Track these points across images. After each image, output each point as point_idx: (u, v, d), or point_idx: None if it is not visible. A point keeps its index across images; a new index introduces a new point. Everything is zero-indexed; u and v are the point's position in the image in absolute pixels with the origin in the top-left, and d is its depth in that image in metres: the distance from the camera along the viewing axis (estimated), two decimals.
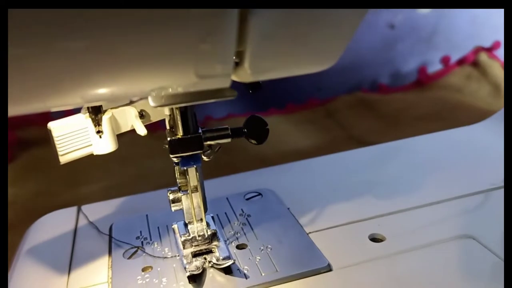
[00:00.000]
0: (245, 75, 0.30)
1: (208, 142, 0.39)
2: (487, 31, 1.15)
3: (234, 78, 0.31)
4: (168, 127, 0.39)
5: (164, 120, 0.41)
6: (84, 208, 0.54)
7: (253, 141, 0.41)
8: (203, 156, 0.39)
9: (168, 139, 0.38)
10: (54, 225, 0.52)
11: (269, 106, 1.07)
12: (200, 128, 0.39)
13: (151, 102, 0.33)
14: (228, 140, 0.40)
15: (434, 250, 0.43)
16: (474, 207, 0.48)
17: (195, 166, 0.39)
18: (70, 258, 0.46)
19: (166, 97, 0.33)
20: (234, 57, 0.28)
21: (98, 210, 0.54)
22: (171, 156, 0.38)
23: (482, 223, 0.45)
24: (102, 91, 0.27)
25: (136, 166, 0.87)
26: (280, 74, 0.31)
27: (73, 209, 0.54)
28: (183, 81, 0.28)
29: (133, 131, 1.01)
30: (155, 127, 0.98)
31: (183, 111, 0.37)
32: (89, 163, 0.86)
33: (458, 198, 0.50)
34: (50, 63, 0.24)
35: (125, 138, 0.96)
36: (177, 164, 0.41)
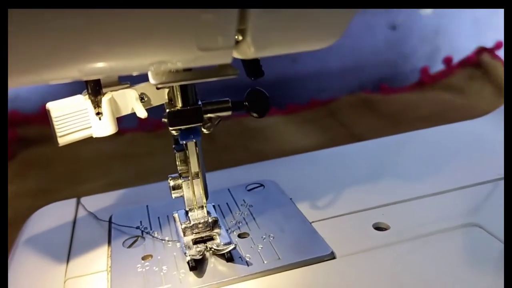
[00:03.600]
0: (247, 50, 0.29)
1: (208, 115, 0.38)
2: (489, 31, 1.15)
3: (236, 55, 0.31)
4: (167, 99, 0.38)
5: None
6: (84, 200, 0.54)
7: (254, 114, 0.39)
8: (203, 129, 0.38)
9: (167, 110, 0.37)
10: (53, 216, 0.51)
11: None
12: (199, 101, 0.38)
13: (151, 80, 0.32)
14: (229, 113, 0.39)
15: (439, 238, 0.42)
16: (480, 196, 0.47)
17: (194, 140, 0.38)
18: (69, 247, 0.45)
19: (167, 75, 0.32)
20: (236, 32, 0.28)
21: (97, 202, 0.53)
22: (170, 129, 0.37)
23: (488, 212, 0.45)
24: (100, 64, 0.27)
25: (136, 164, 0.86)
26: (283, 49, 0.30)
27: (73, 201, 0.54)
28: (183, 55, 0.28)
29: (135, 129, 1.00)
30: (155, 126, 0.98)
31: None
32: (89, 161, 0.86)
33: (463, 188, 0.49)
34: (46, 38, 0.24)
35: (126, 136, 0.96)
36: (177, 150, 0.41)
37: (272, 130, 0.98)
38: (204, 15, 0.25)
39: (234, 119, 1.03)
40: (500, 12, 1.10)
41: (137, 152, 0.88)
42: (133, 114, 0.39)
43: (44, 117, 0.89)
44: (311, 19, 0.29)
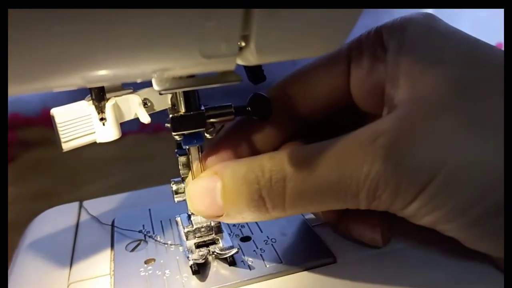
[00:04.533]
0: (250, 57, 0.29)
1: (211, 120, 0.38)
2: (489, 33, 1.15)
3: (240, 61, 0.31)
4: (170, 104, 0.38)
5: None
6: (86, 203, 0.54)
7: (256, 119, 0.40)
8: (206, 134, 0.39)
9: (170, 116, 0.37)
10: (55, 219, 0.51)
11: None
12: (202, 106, 0.38)
13: (155, 86, 0.32)
14: (231, 118, 0.39)
15: (441, 241, 0.42)
16: None
17: (197, 145, 0.38)
18: (72, 251, 0.45)
19: (170, 81, 0.33)
20: (239, 39, 0.28)
21: (100, 206, 0.53)
22: (173, 134, 0.37)
23: None
24: (103, 72, 0.27)
25: (137, 167, 0.87)
26: (287, 55, 0.30)
27: (75, 204, 0.54)
28: (186, 62, 0.28)
29: (136, 131, 1.00)
30: (156, 129, 0.98)
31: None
32: (91, 164, 0.87)
33: None
34: (47, 45, 0.24)
35: (128, 139, 0.96)
36: (180, 154, 0.41)
37: None
38: (207, 22, 0.25)
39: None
40: (500, 13, 1.11)
41: (139, 155, 0.89)
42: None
43: (45, 120, 0.89)
44: (315, 24, 0.29)
